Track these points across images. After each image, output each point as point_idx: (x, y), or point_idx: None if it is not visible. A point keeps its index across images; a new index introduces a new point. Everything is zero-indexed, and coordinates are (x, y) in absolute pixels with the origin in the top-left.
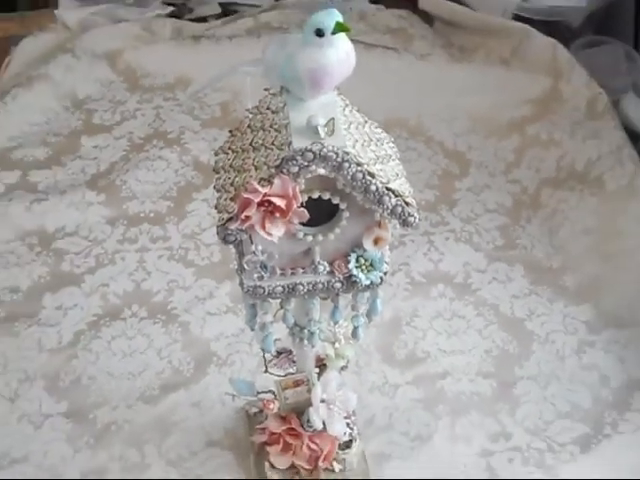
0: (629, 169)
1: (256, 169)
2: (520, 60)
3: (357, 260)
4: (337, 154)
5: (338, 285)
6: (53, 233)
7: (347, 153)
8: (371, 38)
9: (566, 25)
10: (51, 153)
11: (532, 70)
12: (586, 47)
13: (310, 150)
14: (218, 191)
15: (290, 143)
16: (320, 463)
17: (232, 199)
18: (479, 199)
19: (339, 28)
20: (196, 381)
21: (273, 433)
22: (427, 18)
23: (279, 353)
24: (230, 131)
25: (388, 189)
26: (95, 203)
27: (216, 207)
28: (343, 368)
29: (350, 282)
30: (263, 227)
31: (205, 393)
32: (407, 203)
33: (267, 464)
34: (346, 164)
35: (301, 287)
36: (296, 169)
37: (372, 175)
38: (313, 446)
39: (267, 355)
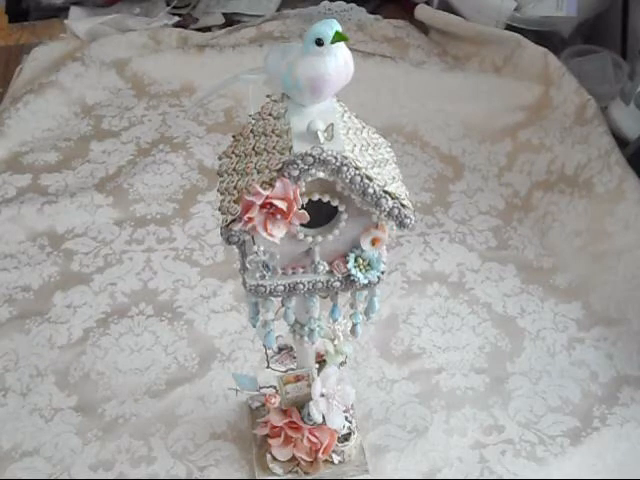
0: (617, 173)
1: (258, 172)
2: (512, 68)
3: (355, 260)
4: (336, 158)
5: (337, 284)
6: (63, 234)
7: (346, 157)
8: (369, 47)
9: (557, 35)
10: (61, 157)
11: (524, 78)
12: (576, 56)
13: (310, 154)
14: (222, 194)
15: (291, 147)
16: (320, 455)
17: (235, 201)
18: (473, 201)
19: (338, 38)
20: (201, 376)
21: (274, 426)
22: (423, 28)
23: (280, 349)
24: (233, 136)
25: (385, 192)
26: (104, 205)
27: (220, 209)
28: (342, 364)
29: (349, 281)
30: (265, 228)
31: (209, 388)
32: (403, 205)
33: (269, 456)
34: (345, 168)
35: (301, 286)
36: (297, 172)
37: (370, 178)
38: (313, 439)
39: (269, 351)
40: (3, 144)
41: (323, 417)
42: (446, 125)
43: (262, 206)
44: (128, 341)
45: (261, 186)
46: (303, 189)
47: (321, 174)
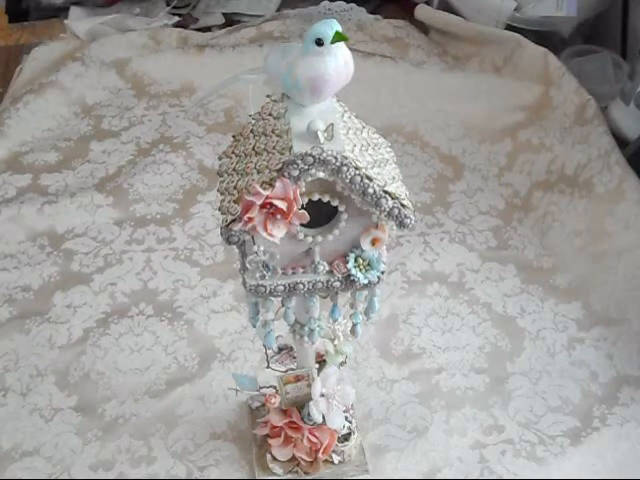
0: (617, 173)
1: (258, 172)
2: (512, 68)
3: (355, 260)
4: (336, 158)
5: (337, 284)
6: (63, 234)
7: (346, 157)
8: (369, 47)
9: (557, 35)
10: (61, 157)
11: (524, 78)
12: (576, 56)
13: (310, 154)
14: (222, 194)
15: (291, 147)
16: (320, 455)
17: (235, 201)
18: (473, 201)
19: (338, 37)
20: (201, 376)
21: (274, 426)
22: (423, 28)
23: (280, 349)
24: (233, 136)
25: (385, 192)
26: (104, 205)
27: (220, 209)
28: (342, 364)
29: (349, 281)
30: (265, 228)
31: (209, 388)
32: (403, 205)
33: (269, 456)
34: (345, 168)
35: (301, 286)
36: (297, 172)
37: (370, 178)
38: (313, 439)
39: (269, 351)
40: (3, 144)
41: (323, 417)
42: (446, 125)
43: (262, 206)
44: (128, 341)
45: (261, 186)
46: (303, 189)
47: (321, 174)
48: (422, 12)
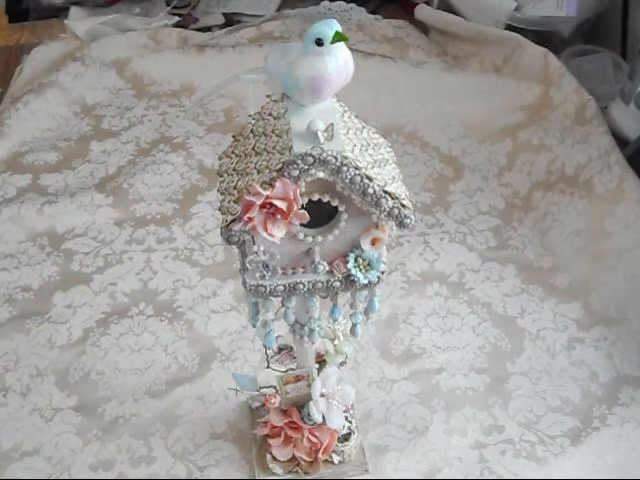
0: (617, 173)
1: (258, 172)
2: (512, 68)
3: (355, 260)
4: (336, 158)
5: (337, 284)
6: (63, 234)
7: (346, 157)
8: (369, 47)
9: (557, 35)
10: (61, 157)
11: (524, 78)
12: (576, 56)
13: (310, 154)
14: (222, 194)
15: (291, 147)
16: (320, 455)
17: (235, 201)
18: (473, 201)
19: (338, 38)
20: (201, 376)
21: (274, 426)
22: (423, 28)
23: (280, 349)
24: (234, 136)
25: (385, 192)
26: (104, 205)
27: (220, 209)
28: (342, 364)
29: (349, 281)
30: (265, 228)
31: (209, 388)
32: (403, 205)
33: (269, 456)
34: (345, 168)
35: (301, 286)
36: (297, 172)
37: (370, 178)
38: (313, 439)
39: (269, 351)
40: (3, 144)
41: (323, 417)
42: (446, 125)
43: (262, 206)
44: (128, 341)
45: (261, 186)
46: (303, 189)
47: (321, 174)
48: (422, 12)
